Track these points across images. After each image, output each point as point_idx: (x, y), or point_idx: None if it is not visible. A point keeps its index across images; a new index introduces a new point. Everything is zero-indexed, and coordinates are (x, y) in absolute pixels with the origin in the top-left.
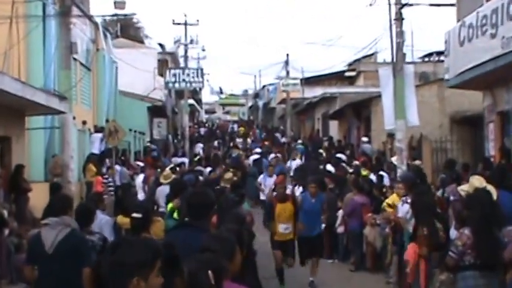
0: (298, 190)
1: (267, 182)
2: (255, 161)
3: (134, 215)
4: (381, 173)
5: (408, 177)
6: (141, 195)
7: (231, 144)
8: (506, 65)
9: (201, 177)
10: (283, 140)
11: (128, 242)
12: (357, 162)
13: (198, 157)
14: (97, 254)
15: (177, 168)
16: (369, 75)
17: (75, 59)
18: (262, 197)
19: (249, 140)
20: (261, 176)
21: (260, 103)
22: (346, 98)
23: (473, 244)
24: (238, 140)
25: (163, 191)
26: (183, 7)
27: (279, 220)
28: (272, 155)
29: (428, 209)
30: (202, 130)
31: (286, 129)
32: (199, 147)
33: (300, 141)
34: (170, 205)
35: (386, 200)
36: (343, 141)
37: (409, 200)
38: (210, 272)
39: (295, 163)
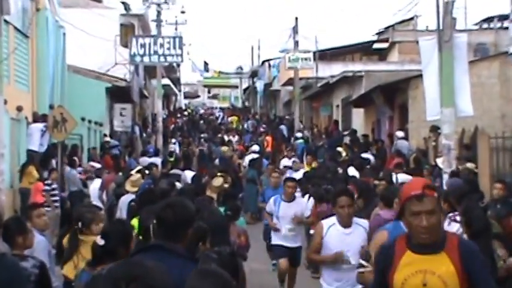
0: (309, 201)
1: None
2: (251, 161)
3: (98, 240)
4: None
5: (457, 186)
6: None
7: (220, 139)
8: None
9: (178, 184)
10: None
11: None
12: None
13: (174, 156)
14: (33, 286)
15: (147, 172)
16: (405, 48)
17: (6, 21)
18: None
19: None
20: (264, 189)
21: (259, 85)
22: (374, 78)
23: None
24: (227, 137)
25: (128, 202)
26: None
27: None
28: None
29: (485, 230)
30: (181, 121)
31: (294, 120)
32: (176, 144)
33: (299, 134)
34: (136, 221)
35: None
36: (371, 136)
37: (458, 218)
38: None
39: (284, 162)
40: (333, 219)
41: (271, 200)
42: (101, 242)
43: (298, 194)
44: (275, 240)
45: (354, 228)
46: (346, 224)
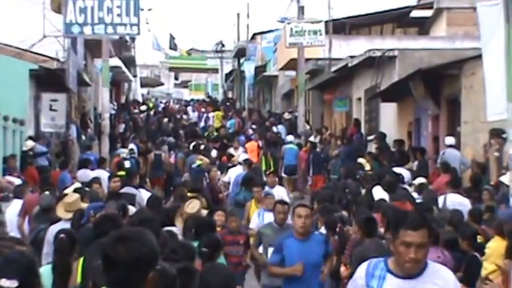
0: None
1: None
2: (246, 179)
3: (2, 282)
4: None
5: None
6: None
7: (192, 145)
8: None
9: (132, 208)
10: (295, 139)
11: None
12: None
13: (126, 168)
14: None
15: (88, 189)
16: (457, 17)
17: None
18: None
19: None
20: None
21: (247, 68)
22: (412, 60)
23: None
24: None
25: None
26: None
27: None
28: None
29: None
30: (141, 118)
31: (298, 118)
32: (126, 152)
33: (291, 137)
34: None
35: (487, 257)
36: (406, 143)
37: None
38: None
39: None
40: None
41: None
42: (11, 284)
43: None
44: None
45: None
46: None
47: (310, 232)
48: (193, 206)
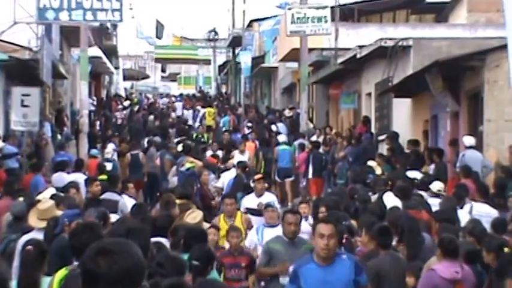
0: None
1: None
2: (243, 184)
3: None
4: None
5: None
6: None
7: (181, 146)
8: None
9: (114, 216)
10: (299, 140)
11: None
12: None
13: (107, 172)
14: None
15: (64, 195)
16: (478, 3)
17: None
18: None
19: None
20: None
21: (244, 59)
22: (429, 50)
23: None
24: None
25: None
26: None
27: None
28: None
29: None
30: (119, 115)
31: (300, 116)
32: (110, 151)
33: (283, 137)
34: (60, 273)
35: None
36: (422, 143)
37: None
38: None
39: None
40: None
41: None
42: None
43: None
44: None
45: None
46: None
47: (336, 255)
48: (195, 216)
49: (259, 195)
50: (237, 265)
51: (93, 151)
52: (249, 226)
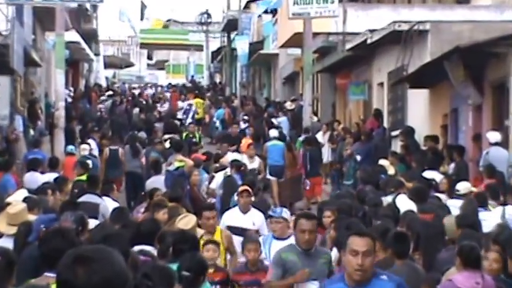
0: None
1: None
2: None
3: None
4: None
5: None
6: None
7: (169, 142)
8: None
9: (93, 221)
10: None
11: None
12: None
13: (87, 172)
14: None
15: (37, 197)
16: None
17: None
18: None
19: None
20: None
21: (240, 45)
22: (448, 35)
23: None
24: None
25: None
26: None
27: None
28: None
29: None
30: (103, 107)
31: (304, 109)
32: (87, 149)
33: (274, 132)
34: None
35: None
36: (441, 140)
37: None
38: None
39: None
40: None
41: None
42: None
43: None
44: None
45: None
46: None
47: (373, 275)
48: (187, 221)
49: (245, 211)
50: (256, 283)
51: (70, 147)
52: (230, 246)
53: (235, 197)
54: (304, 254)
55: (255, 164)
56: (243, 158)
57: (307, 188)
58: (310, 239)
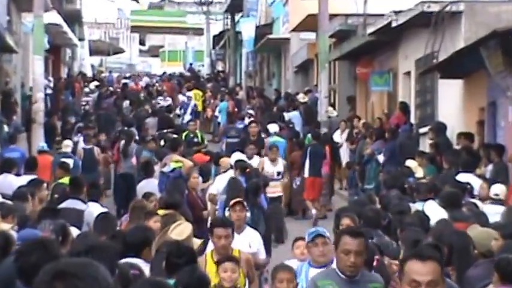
0: None
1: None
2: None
3: None
4: None
5: None
6: None
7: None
8: None
9: (75, 230)
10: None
11: None
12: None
13: (68, 173)
14: None
15: (13, 203)
16: None
17: None
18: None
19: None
20: None
21: (245, 29)
22: (484, 18)
23: None
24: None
25: None
26: None
27: None
28: None
29: None
30: (89, 100)
31: (319, 101)
32: (70, 145)
33: (274, 127)
34: None
35: None
36: (476, 138)
37: None
38: None
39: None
40: None
41: None
42: None
43: None
44: None
45: None
46: None
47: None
48: (181, 230)
49: (238, 230)
50: None
51: (41, 144)
52: (250, 271)
53: (227, 212)
54: (346, 282)
55: (278, 167)
56: (265, 162)
57: (294, 186)
58: (357, 263)
